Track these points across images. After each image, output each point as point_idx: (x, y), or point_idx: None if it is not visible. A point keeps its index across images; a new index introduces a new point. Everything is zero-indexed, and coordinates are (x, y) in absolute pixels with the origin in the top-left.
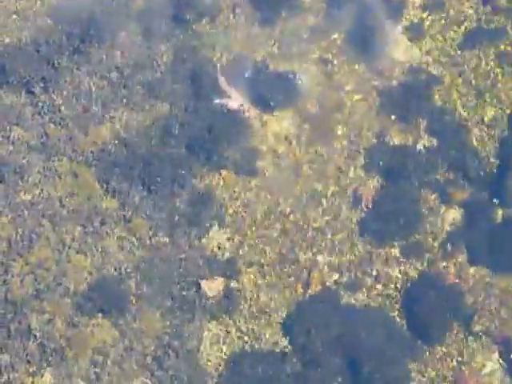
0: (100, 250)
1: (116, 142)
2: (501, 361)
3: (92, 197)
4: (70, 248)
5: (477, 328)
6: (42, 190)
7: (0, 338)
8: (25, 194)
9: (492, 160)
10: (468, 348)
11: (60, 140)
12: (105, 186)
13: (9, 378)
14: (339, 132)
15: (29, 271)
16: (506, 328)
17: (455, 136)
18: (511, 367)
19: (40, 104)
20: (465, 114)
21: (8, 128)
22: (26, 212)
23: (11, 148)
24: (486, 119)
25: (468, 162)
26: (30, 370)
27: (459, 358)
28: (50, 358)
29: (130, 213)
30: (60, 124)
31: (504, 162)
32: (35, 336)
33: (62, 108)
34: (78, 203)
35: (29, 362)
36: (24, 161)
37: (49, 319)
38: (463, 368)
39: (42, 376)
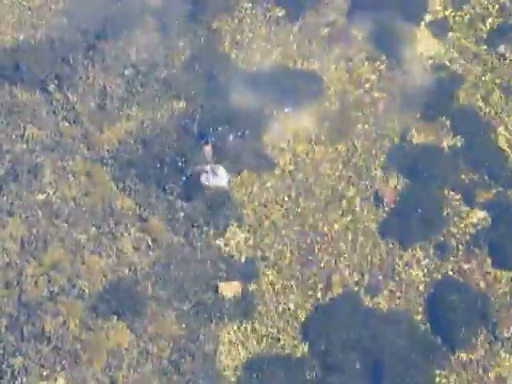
0: (115, 250)
1: (131, 140)
2: None
3: (107, 196)
4: (84, 249)
5: (503, 333)
6: (56, 189)
7: (13, 340)
8: (38, 193)
9: None
10: (494, 353)
11: (74, 138)
12: (120, 185)
13: (22, 382)
14: (360, 130)
15: (42, 272)
16: None
17: (480, 135)
18: None
19: (54, 102)
20: (490, 112)
21: (22, 126)
22: (40, 212)
23: (25, 147)
24: (511, 117)
25: (493, 162)
26: (44, 374)
27: (485, 364)
28: (63, 362)
29: (145, 213)
30: (75, 122)
31: None
32: (49, 339)
33: (77, 106)
34: (92, 203)
35: (42, 365)
36: (38, 160)
37: (63, 322)
38: (489, 373)
39: (56, 380)
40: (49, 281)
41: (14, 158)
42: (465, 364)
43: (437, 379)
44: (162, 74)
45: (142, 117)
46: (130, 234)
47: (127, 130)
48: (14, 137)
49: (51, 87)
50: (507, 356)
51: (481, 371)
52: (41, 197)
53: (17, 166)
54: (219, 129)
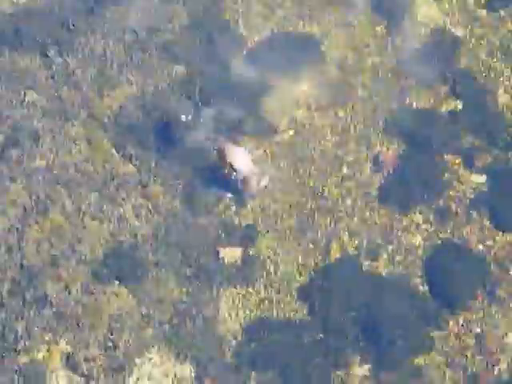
0: (116, 216)
1: (132, 105)
2: None
3: (108, 162)
4: (85, 214)
5: (502, 295)
6: (56, 155)
7: (15, 305)
8: (40, 159)
9: None
10: (493, 316)
11: (75, 104)
12: (121, 151)
13: (25, 346)
14: (360, 96)
15: (44, 238)
16: None
17: (480, 99)
18: None
19: (54, 67)
20: (490, 76)
21: (22, 92)
22: (41, 178)
23: (25, 112)
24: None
25: (493, 126)
26: (46, 338)
27: (484, 326)
28: (65, 326)
29: (146, 178)
30: (75, 88)
31: None
32: (51, 303)
33: (77, 71)
34: (93, 169)
35: (45, 329)
36: (38, 125)
37: (64, 286)
38: (488, 335)
39: (58, 344)
40: (50, 246)
41: (14, 124)
42: (463, 326)
43: (435, 341)
44: (162, 39)
45: (142, 82)
46: (130, 200)
47: (127, 95)
48: (13, 102)
49: (51, 52)
50: (505, 318)
51: (479, 332)
52: (41, 162)
53: (17, 131)
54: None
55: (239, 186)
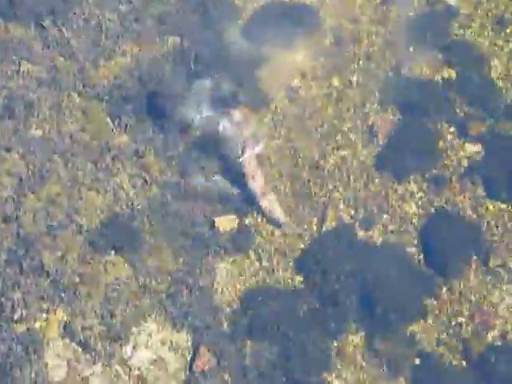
0: (112, 186)
1: (127, 76)
2: None
3: (103, 132)
4: (81, 184)
5: (495, 263)
6: (52, 125)
7: (12, 274)
8: (35, 129)
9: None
10: (486, 283)
11: (70, 74)
12: (116, 121)
13: (22, 315)
14: (355, 65)
15: (40, 208)
16: None
17: (474, 68)
18: None
19: (49, 37)
20: (484, 44)
21: (17, 62)
22: (37, 148)
23: (21, 82)
24: (505, 49)
25: (487, 95)
26: (43, 307)
27: (477, 294)
28: (62, 295)
29: (142, 149)
30: (70, 58)
31: None
32: (48, 273)
33: (72, 41)
34: (88, 139)
35: (42, 298)
36: (34, 96)
37: (61, 256)
38: (481, 303)
39: (55, 313)
40: (47, 215)
41: (10, 94)
42: (457, 293)
43: (430, 309)
44: (157, 10)
45: (137, 52)
46: (126, 170)
47: (123, 65)
48: (9, 73)
49: (46, 22)
50: (498, 285)
51: (473, 300)
52: (37, 132)
53: (13, 102)
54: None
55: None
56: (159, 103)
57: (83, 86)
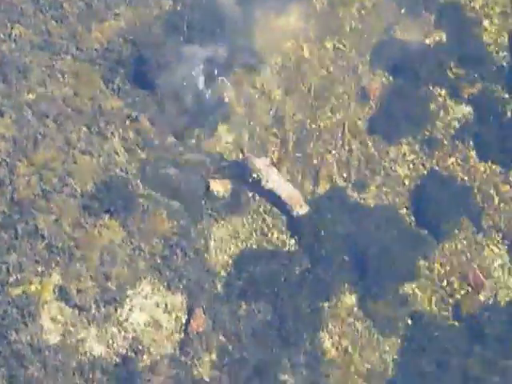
0: (105, 150)
1: (120, 39)
2: (509, 255)
3: (96, 96)
4: (75, 149)
5: (486, 224)
6: (45, 89)
7: (8, 238)
8: (28, 93)
9: (502, 54)
10: (477, 244)
11: (63, 38)
12: (109, 85)
13: (17, 278)
14: (347, 27)
15: (34, 171)
16: None
17: (465, 30)
18: None
19: (42, 1)
20: (475, 7)
21: (9, 26)
22: (30, 112)
23: (13, 46)
24: (496, 11)
25: (479, 57)
26: (39, 270)
27: (468, 254)
28: (57, 258)
29: (135, 113)
30: (62, 21)
31: None
32: (43, 236)
33: (65, 4)
34: (82, 103)
35: (37, 262)
36: (27, 59)
37: (56, 220)
38: (472, 263)
39: (51, 276)
40: (41, 180)
41: (2, 58)
42: (449, 254)
43: (421, 270)
44: None
45: (129, 16)
46: (119, 134)
47: (115, 29)
48: (1, 36)
49: None
50: (489, 246)
51: (464, 261)
52: (30, 96)
53: (5, 65)
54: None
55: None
56: (148, 71)
57: (76, 50)
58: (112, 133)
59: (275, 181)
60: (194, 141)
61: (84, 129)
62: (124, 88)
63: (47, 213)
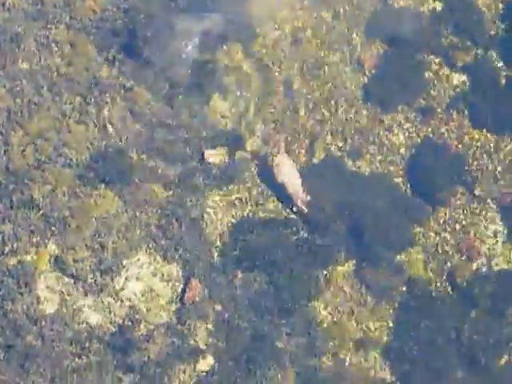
0: (101, 120)
1: (114, 8)
2: (504, 223)
3: (91, 66)
4: (70, 118)
5: (480, 192)
6: (39, 58)
7: (3, 208)
8: (22, 62)
9: (498, 22)
10: (471, 211)
11: (57, 7)
12: (104, 54)
13: (12, 248)
14: None
15: (29, 142)
16: (509, 190)
17: None
18: None
19: None
20: None
21: None
22: (24, 82)
23: (7, 15)
24: None
25: (473, 25)
26: (34, 240)
27: (463, 222)
28: (53, 229)
29: (130, 82)
30: None
31: (511, 24)
32: (38, 206)
33: None
34: (76, 72)
35: (32, 232)
36: (20, 29)
37: (51, 190)
38: (466, 231)
39: (46, 246)
40: (36, 150)
41: None
42: (444, 223)
43: (416, 237)
44: None
45: None
46: (114, 104)
47: None
48: None
49: None
50: (483, 214)
51: (458, 229)
52: (24, 66)
53: None
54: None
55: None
56: (142, 42)
57: (70, 19)
58: (107, 102)
59: (286, 174)
60: (189, 110)
61: (79, 98)
62: (119, 58)
63: (42, 183)
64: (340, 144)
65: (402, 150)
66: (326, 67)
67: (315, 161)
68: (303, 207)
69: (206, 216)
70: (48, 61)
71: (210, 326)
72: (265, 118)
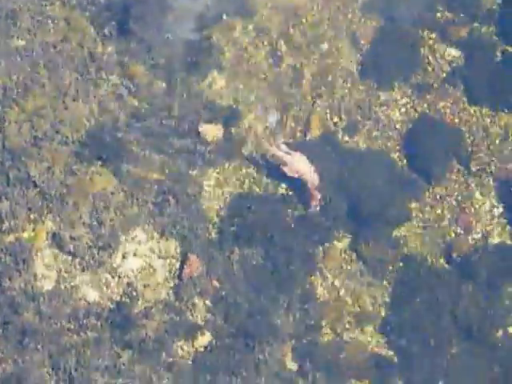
0: (97, 97)
1: None
2: (500, 198)
3: (87, 42)
4: (66, 95)
5: (476, 167)
6: (35, 35)
7: None
8: (17, 39)
9: None
10: (468, 187)
11: None
12: (100, 31)
13: (10, 225)
14: None
15: (25, 119)
16: (505, 166)
17: None
18: (510, 204)
19: None
20: None
21: None
22: (20, 58)
23: None
24: None
25: (469, 0)
26: (31, 217)
27: (459, 197)
28: (50, 206)
29: (126, 59)
30: None
31: None
32: (35, 183)
33: None
34: (72, 49)
35: (29, 209)
36: (15, 6)
37: (48, 167)
38: (463, 206)
39: (44, 223)
40: (32, 127)
41: None
42: (440, 198)
43: (413, 212)
44: None
45: None
46: (111, 81)
47: None
48: None
49: None
50: (479, 188)
51: (454, 204)
52: (20, 43)
53: None
54: None
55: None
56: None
57: None
58: (103, 79)
59: (301, 170)
60: (185, 86)
61: (75, 75)
62: (115, 34)
63: (39, 160)
64: (336, 119)
65: (399, 126)
66: (323, 42)
67: (311, 136)
68: (317, 206)
69: (203, 192)
70: (43, 37)
71: (207, 302)
72: (262, 94)
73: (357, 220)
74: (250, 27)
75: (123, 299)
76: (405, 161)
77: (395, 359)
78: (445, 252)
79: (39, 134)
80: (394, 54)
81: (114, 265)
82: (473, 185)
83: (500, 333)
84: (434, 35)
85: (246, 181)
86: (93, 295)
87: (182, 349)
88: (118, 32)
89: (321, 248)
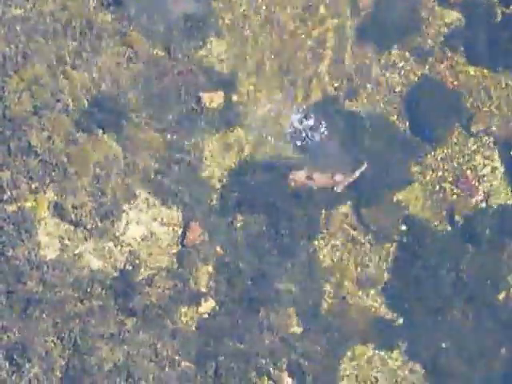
0: (96, 65)
1: None
2: (501, 159)
3: (85, 11)
4: (65, 64)
5: (477, 128)
6: (33, 4)
7: (0, 155)
8: (15, 8)
9: None
10: (469, 148)
11: None
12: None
13: (11, 195)
14: None
15: (25, 88)
16: (506, 126)
17: None
18: (511, 166)
19: None
20: None
21: None
22: (18, 27)
23: None
24: None
25: None
26: (33, 187)
27: (460, 159)
28: (52, 175)
29: (125, 26)
30: None
31: None
32: (36, 153)
33: None
34: (70, 17)
35: (31, 178)
36: None
37: (48, 136)
38: (464, 168)
39: (45, 192)
40: (32, 96)
41: None
42: (442, 160)
43: (414, 176)
44: None
45: None
46: (110, 48)
47: None
48: None
49: None
50: (480, 150)
51: (456, 166)
52: (18, 12)
53: None
54: None
55: None
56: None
57: None
58: (103, 47)
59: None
60: (184, 53)
61: (74, 44)
62: (114, 2)
63: (40, 129)
64: (336, 84)
65: (399, 89)
66: (322, 7)
67: (311, 101)
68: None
69: (204, 160)
70: (41, 6)
71: (210, 269)
72: (262, 60)
73: (358, 184)
74: None
75: (126, 267)
76: (406, 124)
77: (398, 322)
78: (447, 214)
79: (39, 103)
80: (393, 18)
81: (117, 233)
82: (474, 147)
83: (503, 295)
84: None
85: (248, 147)
86: (96, 263)
87: (185, 315)
88: (116, 3)
89: (323, 213)
